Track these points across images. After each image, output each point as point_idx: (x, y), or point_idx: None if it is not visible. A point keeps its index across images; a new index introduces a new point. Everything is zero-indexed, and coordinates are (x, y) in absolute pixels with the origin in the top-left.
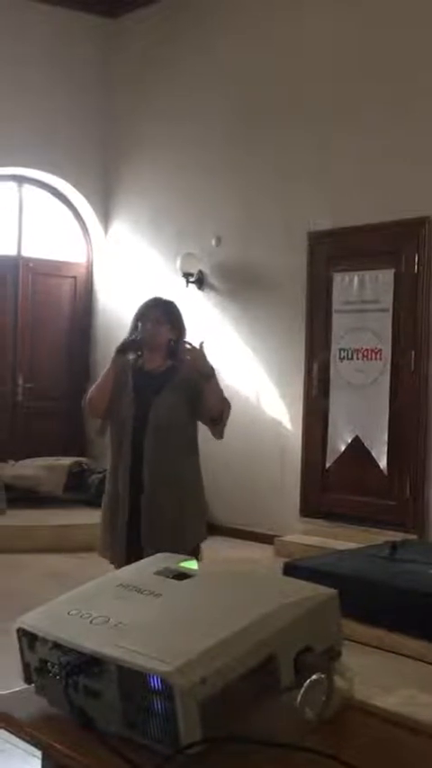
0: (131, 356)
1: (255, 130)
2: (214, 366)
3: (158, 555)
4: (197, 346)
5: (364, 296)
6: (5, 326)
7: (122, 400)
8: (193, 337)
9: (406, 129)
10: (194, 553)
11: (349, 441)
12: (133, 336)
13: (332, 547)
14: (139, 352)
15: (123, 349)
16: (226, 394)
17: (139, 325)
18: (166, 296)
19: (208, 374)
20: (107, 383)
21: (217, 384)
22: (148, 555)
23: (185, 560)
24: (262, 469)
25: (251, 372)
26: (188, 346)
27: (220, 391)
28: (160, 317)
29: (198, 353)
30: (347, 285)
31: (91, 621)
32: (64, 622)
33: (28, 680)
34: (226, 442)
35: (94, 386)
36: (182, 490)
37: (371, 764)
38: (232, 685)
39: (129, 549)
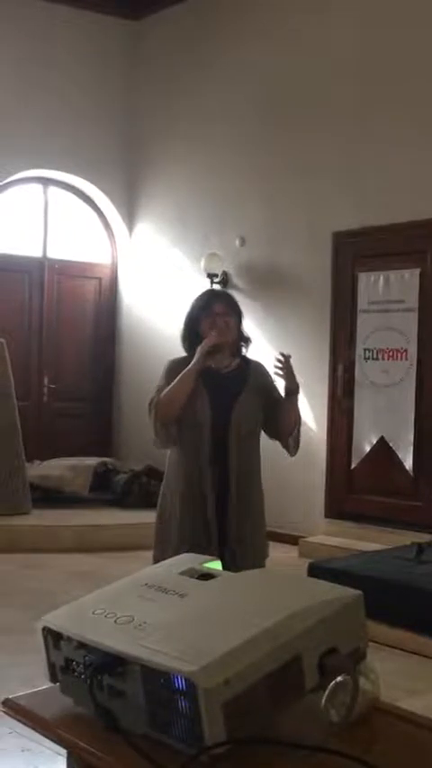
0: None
1: (279, 131)
2: (299, 382)
3: (183, 555)
4: (285, 360)
5: (390, 296)
6: (31, 328)
7: (195, 403)
8: (278, 351)
9: (431, 130)
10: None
11: (374, 441)
12: (208, 341)
13: (357, 548)
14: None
15: (213, 350)
16: None
17: (202, 322)
18: (191, 296)
19: (295, 391)
20: (186, 387)
21: (297, 402)
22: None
23: (210, 561)
24: (287, 470)
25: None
26: (278, 362)
27: (299, 408)
28: (228, 309)
29: (289, 369)
30: (373, 285)
31: (115, 621)
32: (89, 622)
33: (53, 679)
34: None
35: (166, 390)
36: (258, 500)
37: (396, 767)
38: (256, 686)
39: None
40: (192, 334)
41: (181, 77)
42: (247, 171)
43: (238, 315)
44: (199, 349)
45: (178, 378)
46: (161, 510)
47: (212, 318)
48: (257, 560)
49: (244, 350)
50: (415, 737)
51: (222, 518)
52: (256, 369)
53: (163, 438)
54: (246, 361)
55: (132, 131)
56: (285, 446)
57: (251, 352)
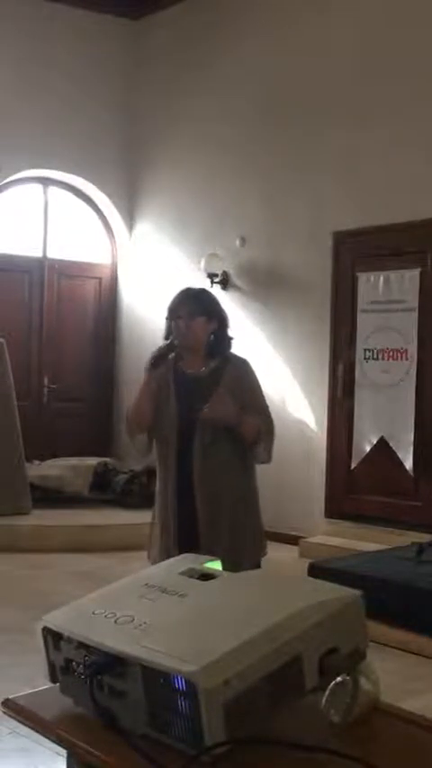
0: (163, 363)
1: (279, 131)
2: (238, 412)
3: (184, 555)
4: (215, 399)
5: (390, 296)
6: (31, 328)
7: (166, 412)
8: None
9: (431, 130)
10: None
11: (375, 441)
12: (163, 344)
13: (357, 548)
14: (173, 355)
15: (155, 363)
16: None
17: (172, 325)
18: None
19: (237, 426)
20: (143, 401)
21: (250, 424)
22: None
23: (210, 561)
24: (287, 470)
25: (276, 373)
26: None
27: (255, 427)
28: (193, 309)
29: (215, 408)
30: (373, 285)
31: (116, 621)
32: (89, 622)
33: (53, 679)
34: None
35: (132, 403)
36: (232, 505)
37: (396, 767)
38: (256, 686)
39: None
40: (168, 333)
41: (181, 77)
42: (247, 171)
43: (208, 313)
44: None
45: (137, 395)
46: (152, 512)
47: (174, 322)
48: (236, 567)
49: (230, 351)
50: (415, 737)
51: (192, 524)
52: (234, 369)
53: (138, 447)
54: (227, 360)
55: (132, 131)
56: (252, 454)
57: (251, 352)
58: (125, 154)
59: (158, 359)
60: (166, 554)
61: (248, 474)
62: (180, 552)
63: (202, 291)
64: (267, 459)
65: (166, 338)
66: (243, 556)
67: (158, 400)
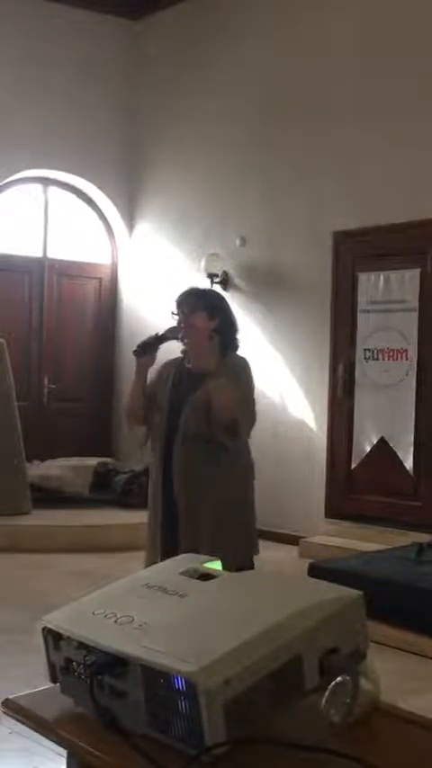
0: (150, 351)
1: (279, 131)
2: (220, 368)
3: (184, 555)
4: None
5: (390, 296)
6: (31, 328)
7: (159, 407)
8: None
9: (431, 130)
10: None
11: (375, 441)
12: (154, 334)
13: (357, 548)
14: (182, 353)
15: (141, 350)
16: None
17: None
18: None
19: (208, 372)
20: (135, 390)
21: (227, 387)
22: None
23: (210, 561)
24: (287, 470)
25: (276, 373)
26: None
27: (229, 395)
28: (194, 304)
29: (195, 343)
30: (373, 285)
31: (116, 621)
32: (89, 622)
33: (53, 679)
34: (250, 443)
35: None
36: (214, 503)
37: (396, 767)
38: (257, 686)
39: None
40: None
41: (181, 77)
42: (248, 171)
43: (208, 310)
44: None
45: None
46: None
47: (178, 315)
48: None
49: (233, 352)
50: (415, 737)
51: (173, 521)
52: (226, 365)
53: (138, 439)
54: (228, 359)
55: (132, 131)
56: (219, 438)
57: (251, 352)
58: (125, 154)
59: (145, 346)
60: (152, 546)
61: (236, 472)
62: (163, 545)
63: (209, 290)
64: (245, 435)
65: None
66: (229, 552)
67: (156, 395)
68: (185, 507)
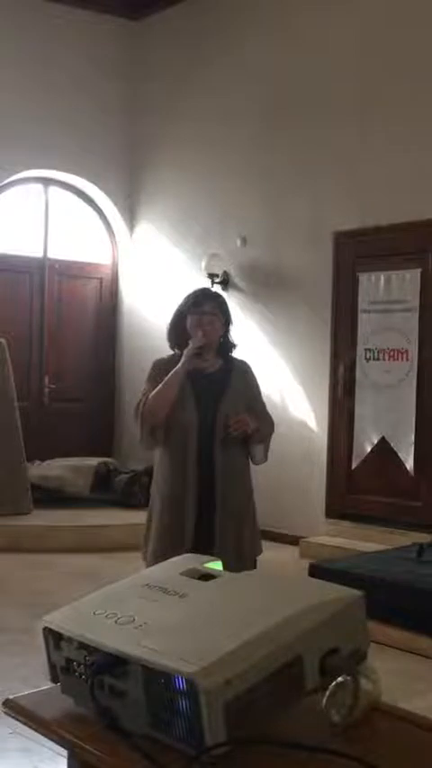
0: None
1: (280, 131)
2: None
3: (185, 555)
4: (234, 422)
5: (391, 296)
6: (31, 328)
7: (182, 405)
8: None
9: (431, 130)
10: (251, 567)
11: (375, 442)
12: (195, 343)
13: (358, 548)
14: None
15: (200, 353)
16: None
17: (189, 318)
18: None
19: (253, 434)
20: (173, 390)
21: (248, 422)
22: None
23: (211, 561)
24: (287, 471)
25: (276, 373)
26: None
27: (255, 426)
28: (216, 310)
29: (240, 427)
30: (373, 285)
31: (116, 621)
32: (89, 622)
33: (54, 679)
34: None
35: (153, 393)
36: (246, 502)
37: (396, 767)
38: (257, 687)
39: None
40: (178, 328)
41: (181, 77)
42: (249, 171)
43: (225, 316)
44: (186, 351)
45: (164, 381)
46: (148, 511)
47: (199, 316)
48: (242, 562)
49: (233, 354)
50: (415, 737)
51: (204, 520)
52: (239, 369)
53: (149, 442)
54: (229, 360)
55: (133, 131)
56: (250, 453)
57: (251, 352)
58: (126, 154)
59: (200, 351)
60: (171, 545)
61: (249, 472)
62: (195, 544)
63: (221, 295)
64: (264, 459)
65: (173, 330)
66: (248, 551)
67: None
68: (231, 507)
